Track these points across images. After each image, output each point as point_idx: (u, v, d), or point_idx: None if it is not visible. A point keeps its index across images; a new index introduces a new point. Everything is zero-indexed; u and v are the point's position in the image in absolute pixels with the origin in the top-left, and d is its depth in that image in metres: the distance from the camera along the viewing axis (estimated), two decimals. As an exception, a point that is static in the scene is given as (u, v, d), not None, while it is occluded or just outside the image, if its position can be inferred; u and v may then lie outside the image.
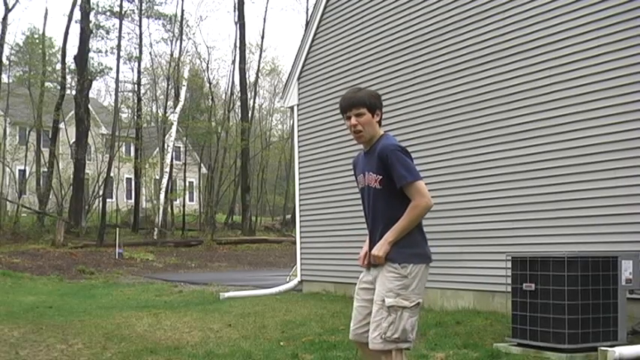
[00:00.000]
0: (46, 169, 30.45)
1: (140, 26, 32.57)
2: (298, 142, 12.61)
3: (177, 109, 32.21)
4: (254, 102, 39.95)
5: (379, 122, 3.62)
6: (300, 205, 12.49)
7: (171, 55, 34.07)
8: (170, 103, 33.64)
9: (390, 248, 3.47)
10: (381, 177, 3.53)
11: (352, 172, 3.93)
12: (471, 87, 8.86)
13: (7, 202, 30.59)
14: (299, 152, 12.56)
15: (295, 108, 12.61)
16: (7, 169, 32.67)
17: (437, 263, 8.39)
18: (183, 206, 35.05)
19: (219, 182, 36.27)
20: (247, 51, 36.60)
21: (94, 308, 10.25)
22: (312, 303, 10.20)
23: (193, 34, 53.77)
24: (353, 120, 3.58)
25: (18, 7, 59.40)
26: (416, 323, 3.50)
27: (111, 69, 33.66)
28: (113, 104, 34.74)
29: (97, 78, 34.14)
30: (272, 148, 44.69)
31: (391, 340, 3.43)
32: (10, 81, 34.15)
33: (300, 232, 12.49)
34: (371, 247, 3.62)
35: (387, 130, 10.46)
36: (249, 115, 36.72)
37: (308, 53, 12.15)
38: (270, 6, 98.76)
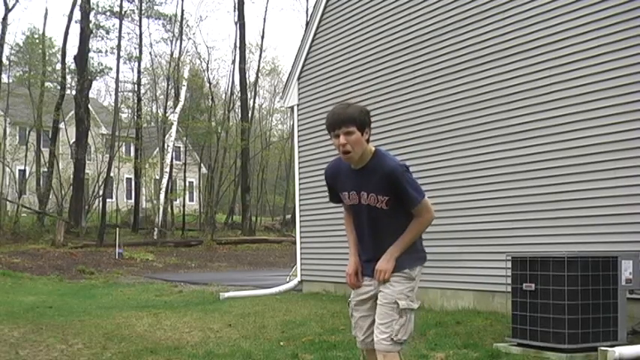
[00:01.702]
0: (46, 169, 30.45)
1: (140, 26, 32.63)
2: (298, 142, 12.60)
3: (177, 109, 32.20)
4: (254, 102, 40.01)
5: (367, 140, 3.46)
6: (300, 205, 12.49)
7: (171, 55, 34.12)
8: (170, 103, 33.65)
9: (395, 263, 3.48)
10: (387, 198, 3.44)
11: None
12: (471, 87, 8.85)
13: (7, 202, 30.57)
14: (299, 152, 12.56)
15: (295, 108, 12.61)
16: (7, 169, 32.65)
17: (437, 263, 8.45)
18: (183, 206, 35.05)
19: (219, 182, 36.26)
20: (247, 51, 36.65)
21: (94, 308, 10.25)
22: (312, 303, 10.20)
23: (193, 34, 53.82)
24: (342, 139, 3.39)
25: (18, 7, 59.43)
26: None
27: (111, 69, 33.73)
28: (113, 104, 34.76)
29: (97, 78, 34.22)
30: (272, 148, 44.68)
31: (400, 341, 3.48)
32: (10, 81, 34.14)
33: (300, 232, 12.49)
34: (365, 263, 3.61)
35: (388, 129, 10.47)
36: (249, 115, 36.73)
37: (308, 53, 12.15)
38: (270, 6, 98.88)
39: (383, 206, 3.46)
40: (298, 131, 12.59)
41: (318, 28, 11.94)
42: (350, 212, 3.68)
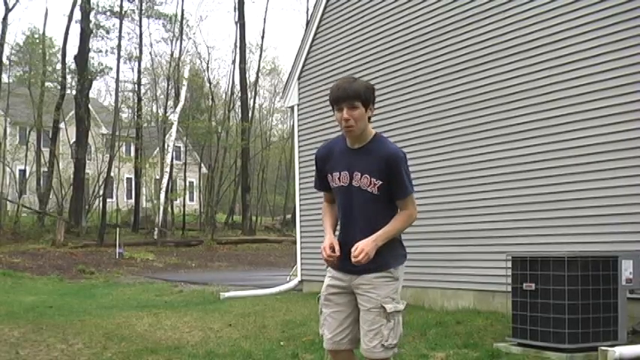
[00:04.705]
0: (46, 169, 30.47)
1: (140, 26, 32.63)
2: (298, 142, 12.61)
3: (178, 109, 32.21)
4: (254, 102, 39.98)
5: (370, 118, 3.38)
6: (300, 205, 12.49)
7: (172, 55, 34.12)
8: (170, 102, 33.66)
9: (374, 251, 3.28)
10: (380, 182, 3.31)
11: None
12: (471, 87, 8.86)
13: (8, 202, 30.59)
14: (299, 152, 12.56)
15: (295, 108, 12.61)
16: (8, 169, 32.66)
17: (437, 263, 8.46)
18: (184, 206, 35.07)
19: (219, 182, 36.27)
20: (247, 51, 36.63)
21: (94, 308, 10.26)
22: (313, 303, 10.13)
23: (193, 33, 53.75)
24: (345, 113, 3.30)
25: (18, 7, 59.32)
26: None
27: (111, 69, 33.68)
28: (113, 104, 34.76)
29: (97, 78, 34.16)
30: (272, 148, 44.69)
31: (392, 346, 3.36)
32: (10, 81, 34.14)
33: (300, 232, 12.49)
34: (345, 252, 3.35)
35: (388, 129, 10.47)
36: (249, 114, 36.72)
37: (308, 53, 12.15)
38: (270, 6, 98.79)
39: (374, 190, 3.32)
40: (298, 131, 12.59)
41: (318, 28, 11.94)
42: (335, 197, 3.50)
